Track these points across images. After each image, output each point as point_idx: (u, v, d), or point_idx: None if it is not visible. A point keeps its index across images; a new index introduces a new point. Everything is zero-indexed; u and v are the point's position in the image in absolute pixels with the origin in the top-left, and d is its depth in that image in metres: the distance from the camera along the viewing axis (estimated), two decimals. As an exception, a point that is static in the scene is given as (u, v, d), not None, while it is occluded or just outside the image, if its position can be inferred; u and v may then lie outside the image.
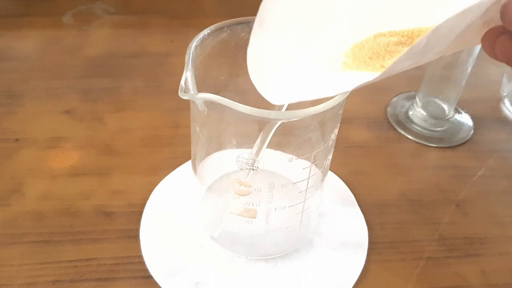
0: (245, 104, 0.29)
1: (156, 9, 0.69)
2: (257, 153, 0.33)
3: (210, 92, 0.30)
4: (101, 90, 0.55)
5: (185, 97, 0.30)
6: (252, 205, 0.35)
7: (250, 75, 0.30)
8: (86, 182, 0.45)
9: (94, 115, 0.51)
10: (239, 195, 0.35)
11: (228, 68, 0.37)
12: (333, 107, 0.30)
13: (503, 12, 0.23)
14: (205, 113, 0.33)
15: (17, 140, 0.48)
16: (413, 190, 0.47)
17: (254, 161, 0.33)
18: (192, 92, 0.30)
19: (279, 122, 0.32)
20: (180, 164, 0.46)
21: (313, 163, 0.34)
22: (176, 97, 0.54)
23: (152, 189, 0.44)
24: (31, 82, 0.55)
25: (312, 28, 0.31)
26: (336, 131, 0.35)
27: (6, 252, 0.39)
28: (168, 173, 0.46)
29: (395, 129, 0.53)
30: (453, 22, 0.22)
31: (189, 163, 0.46)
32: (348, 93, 0.30)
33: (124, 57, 0.60)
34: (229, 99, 0.29)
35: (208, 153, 0.39)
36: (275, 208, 0.36)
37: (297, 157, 0.33)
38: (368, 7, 0.31)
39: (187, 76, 0.31)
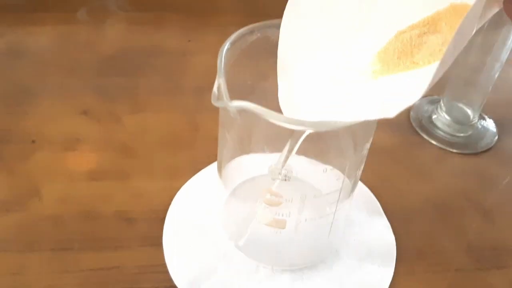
0: (272, 108, 0.29)
1: (172, 6, 0.67)
2: (284, 161, 0.32)
3: (238, 97, 0.29)
4: (117, 89, 0.53)
5: (218, 105, 0.29)
6: (282, 216, 0.34)
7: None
8: (106, 186, 0.43)
9: (111, 116, 0.50)
10: (269, 205, 0.34)
11: (256, 72, 0.36)
12: (366, 122, 0.28)
13: None
14: (237, 120, 0.32)
15: (33, 141, 0.47)
16: (438, 197, 0.46)
17: (287, 171, 0.32)
18: (225, 99, 0.29)
19: (307, 132, 0.31)
20: (202, 168, 0.45)
21: (346, 174, 0.33)
22: (195, 98, 0.54)
23: (174, 194, 0.43)
24: (46, 80, 0.54)
25: (333, 51, 0.30)
26: (371, 140, 0.34)
27: (25, 260, 0.38)
28: (190, 177, 0.45)
29: (418, 134, 0.52)
30: (470, 15, 0.22)
31: (210, 167, 0.45)
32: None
33: (140, 55, 0.58)
34: (257, 102, 0.29)
35: (234, 156, 0.38)
36: (305, 219, 0.35)
37: (332, 168, 0.32)
38: (381, 12, 0.30)
39: (220, 83, 0.30)
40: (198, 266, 0.38)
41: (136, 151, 0.47)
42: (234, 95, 0.30)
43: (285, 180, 0.32)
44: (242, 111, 0.29)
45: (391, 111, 0.24)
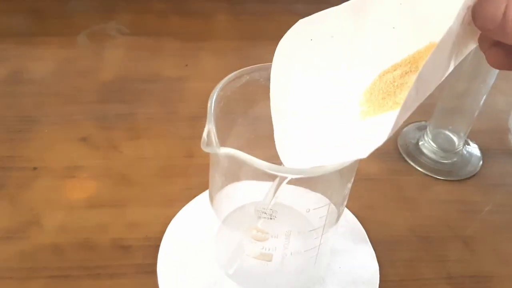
0: (262, 144, 0.32)
1: (169, 30, 0.69)
2: (269, 202, 0.34)
3: (227, 129, 0.31)
4: (116, 116, 0.55)
5: (207, 150, 0.31)
6: (268, 250, 0.36)
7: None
8: (103, 214, 0.45)
9: (110, 143, 0.52)
10: (256, 240, 0.36)
11: (245, 110, 0.38)
12: (352, 162, 0.30)
13: (474, 17, 0.25)
14: (225, 162, 0.34)
15: (35, 168, 0.49)
16: (422, 225, 0.48)
17: (272, 210, 0.34)
18: (214, 145, 0.31)
19: (289, 178, 0.33)
20: (195, 196, 0.47)
21: (329, 212, 0.35)
22: (190, 125, 0.56)
23: (168, 222, 0.45)
24: (47, 106, 0.56)
25: (323, 93, 0.32)
26: (352, 179, 0.36)
27: (25, 287, 0.40)
28: (183, 205, 0.47)
29: (405, 160, 0.54)
30: (434, 57, 0.24)
31: (203, 195, 0.47)
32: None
33: (139, 81, 0.60)
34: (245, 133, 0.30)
35: (224, 186, 0.39)
36: (291, 253, 0.37)
37: (314, 208, 0.34)
38: (366, 52, 0.32)
39: (209, 129, 0.32)
40: (190, 294, 0.40)
41: (133, 178, 0.49)
42: (226, 134, 0.32)
43: (271, 218, 0.34)
44: (231, 157, 0.31)
45: (364, 152, 0.26)
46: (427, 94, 0.27)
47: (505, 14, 0.23)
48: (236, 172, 0.37)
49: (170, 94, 0.59)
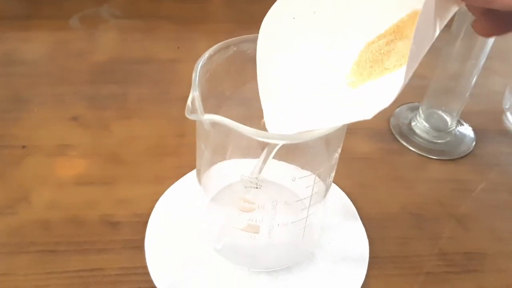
0: (249, 115, 0.30)
1: (163, 13, 0.69)
2: (259, 171, 0.34)
3: (215, 106, 0.30)
4: (107, 97, 0.55)
5: (191, 118, 0.31)
6: (256, 221, 0.36)
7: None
8: (92, 191, 0.45)
9: (100, 122, 0.52)
10: (243, 211, 0.36)
11: (233, 84, 0.38)
12: (338, 128, 0.30)
13: None
14: (211, 132, 0.34)
15: (24, 147, 0.48)
16: (415, 203, 0.48)
17: (258, 179, 0.34)
18: (199, 112, 0.31)
19: (280, 144, 0.33)
20: (185, 174, 0.47)
21: (316, 182, 0.35)
22: (181, 106, 0.55)
23: (157, 199, 0.45)
24: (38, 87, 0.56)
25: (310, 67, 0.32)
26: (339, 149, 0.36)
27: (13, 261, 0.39)
28: (173, 183, 0.46)
29: (398, 141, 0.54)
30: (423, 16, 0.24)
31: (193, 173, 0.47)
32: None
33: (131, 63, 0.60)
34: (234, 111, 0.30)
35: (212, 164, 0.39)
36: (278, 224, 0.36)
37: (300, 177, 0.34)
38: (348, 26, 0.32)
39: (194, 96, 0.31)
40: (178, 269, 0.39)
41: (123, 157, 0.49)
42: (212, 106, 0.32)
43: (257, 188, 0.34)
44: (215, 124, 0.31)
45: (368, 113, 0.26)
46: (424, 51, 0.27)
47: None
48: (223, 144, 0.37)
49: (162, 75, 0.59)
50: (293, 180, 0.34)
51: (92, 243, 0.41)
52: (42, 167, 0.47)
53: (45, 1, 0.68)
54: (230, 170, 0.39)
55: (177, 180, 0.47)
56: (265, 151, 0.33)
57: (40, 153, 0.48)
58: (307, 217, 0.37)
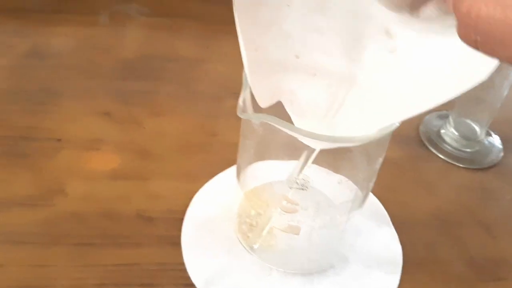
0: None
1: (190, 12, 0.69)
2: (299, 172, 0.34)
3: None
4: (137, 93, 0.55)
5: (243, 117, 0.31)
6: (297, 222, 0.36)
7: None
8: (126, 186, 0.45)
9: (132, 118, 0.52)
10: (285, 212, 0.36)
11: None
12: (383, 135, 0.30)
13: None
14: (259, 130, 0.34)
15: (59, 140, 0.49)
16: (443, 210, 0.48)
17: (304, 181, 0.34)
18: (250, 112, 0.31)
19: (319, 149, 0.33)
20: (217, 173, 0.47)
21: (358, 186, 0.35)
22: (211, 105, 0.56)
23: (191, 196, 0.45)
24: (69, 81, 0.56)
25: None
26: (384, 154, 0.36)
27: (51, 253, 0.39)
28: (206, 181, 0.47)
29: (426, 147, 0.54)
30: None
31: (227, 172, 0.47)
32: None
33: (159, 60, 0.60)
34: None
35: (254, 161, 0.40)
36: (318, 227, 0.37)
37: (346, 180, 0.34)
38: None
39: (245, 96, 0.32)
40: (214, 266, 0.40)
41: (155, 153, 0.49)
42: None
43: (302, 189, 0.34)
44: (264, 123, 0.31)
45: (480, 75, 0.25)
46: None
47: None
48: (268, 142, 0.37)
49: (190, 74, 0.59)
50: (339, 183, 0.34)
51: (128, 237, 0.41)
52: (77, 160, 0.47)
53: (74, -4, 0.69)
54: (271, 169, 0.40)
55: (209, 178, 0.47)
56: (304, 153, 0.34)
57: (74, 147, 0.48)
58: (346, 221, 0.37)
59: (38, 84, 0.55)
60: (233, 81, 0.53)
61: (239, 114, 0.32)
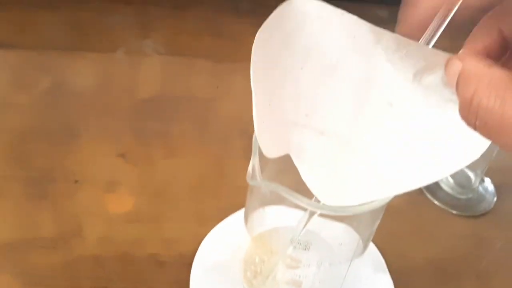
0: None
1: (202, 50, 0.72)
2: (300, 232, 0.37)
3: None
4: (152, 133, 0.58)
5: (252, 184, 0.34)
6: (299, 277, 0.39)
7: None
8: (140, 229, 0.48)
9: (146, 159, 0.55)
10: (289, 267, 0.39)
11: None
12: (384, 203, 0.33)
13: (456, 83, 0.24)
14: (267, 194, 0.37)
15: (76, 181, 0.52)
16: (438, 257, 0.51)
17: (307, 242, 0.37)
18: (258, 179, 0.34)
19: (318, 212, 0.35)
20: (226, 216, 0.50)
21: (359, 242, 0.38)
22: (221, 146, 0.59)
23: (200, 240, 0.48)
24: (87, 119, 0.59)
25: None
26: (382, 213, 0.39)
27: (70, 295, 0.43)
28: (215, 224, 0.49)
29: (423, 194, 0.57)
30: None
31: (235, 215, 0.50)
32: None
33: (173, 100, 0.63)
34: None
35: (260, 206, 0.42)
36: (319, 281, 0.39)
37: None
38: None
39: (254, 164, 0.35)
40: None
41: (167, 196, 0.52)
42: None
43: (305, 249, 0.37)
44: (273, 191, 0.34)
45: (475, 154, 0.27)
46: None
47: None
48: (275, 200, 0.40)
49: (202, 114, 0.62)
50: (339, 245, 0.37)
51: (142, 281, 0.44)
52: (93, 202, 0.50)
53: (91, 32, 0.72)
54: (279, 214, 0.42)
55: (218, 222, 0.50)
56: (306, 213, 0.36)
57: (91, 189, 0.51)
58: (346, 275, 0.40)
59: (58, 123, 0.58)
60: (242, 121, 0.57)
61: (248, 181, 0.34)
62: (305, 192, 0.35)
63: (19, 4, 0.73)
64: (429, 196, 0.57)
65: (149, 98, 0.63)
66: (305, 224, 0.36)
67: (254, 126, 0.32)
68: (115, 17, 0.75)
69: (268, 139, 0.33)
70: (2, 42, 0.68)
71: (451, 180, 0.57)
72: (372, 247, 0.50)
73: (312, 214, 0.36)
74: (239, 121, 0.60)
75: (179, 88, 0.66)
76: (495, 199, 0.58)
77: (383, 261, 0.49)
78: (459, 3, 0.24)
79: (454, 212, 0.55)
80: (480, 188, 0.58)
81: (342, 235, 0.39)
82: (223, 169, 0.56)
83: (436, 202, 0.56)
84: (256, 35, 0.29)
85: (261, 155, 0.35)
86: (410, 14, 0.26)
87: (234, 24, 0.78)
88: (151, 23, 0.75)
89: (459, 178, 0.57)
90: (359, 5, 0.83)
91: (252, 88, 0.32)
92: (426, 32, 0.26)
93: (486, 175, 0.60)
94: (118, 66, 0.68)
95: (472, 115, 0.22)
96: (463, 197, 0.57)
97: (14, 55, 0.66)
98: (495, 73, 0.22)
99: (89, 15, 0.74)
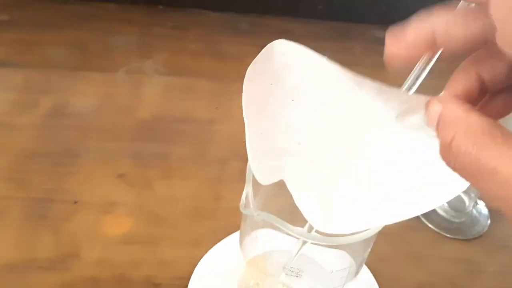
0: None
1: (202, 71, 0.74)
2: (291, 261, 0.38)
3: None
4: (150, 155, 0.59)
5: (246, 212, 0.35)
6: (291, 302, 0.40)
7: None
8: (136, 251, 0.49)
9: (144, 181, 0.56)
10: (281, 293, 0.40)
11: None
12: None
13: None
14: (260, 222, 0.38)
15: (75, 202, 0.53)
16: (431, 282, 0.51)
17: (299, 270, 0.38)
18: (251, 207, 0.35)
19: (309, 242, 0.36)
20: (221, 239, 0.51)
21: (351, 268, 0.39)
22: (218, 167, 0.60)
23: (195, 262, 0.49)
24: (87, 141, 0.60)
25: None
26: (374, 239, 0.40)
27: (66, 317, 0.43)
28: (210, 247, 0.50)
29: (418, 217, 0.58)
30: None
31: (229, 238, 0.51)
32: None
33: (172, 121, 0.65)
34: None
35: (254, 229, 0.42)
36: (311, 306, 0.40)
37: (337, 270, 0.38)
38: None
39: (247, 192, 0.36)
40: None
41: (164, 217, 0.53)
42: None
43: (297, 276, 0.38)
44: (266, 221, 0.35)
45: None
46: None
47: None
48: (269, 225, 0.41)
49: (201, 135, 0.63)
50: (330, 273, 0.38)
51: (137, 303, 0.45)
52: (92, 223, 0.51)
53: (93, 52, 0.73)
54: (273, 238, 0.43)
55: (213, 245, 0.51)
56: (298, 243, 0.37)
57: (89, 210, 0.52)
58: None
59: (58, 145, 0.59)
60: (238, 144, 0.57)
61: (241, 210, 0.35)
62: (300, 215, 0.36)
63: (22, 24, 0.75)
64: (423, 219, 0.57)
65: (149, 119, 0.64)
66: (297, 252, 0.37)
67: (248, 154, 0.33)
68: (118, 38, 0.76)
69: (261, 167, 0.34)
70: (6, 62, 0.69)
71: (445, 203, 0.58)
72: (365, 270, 0.50)
73: (304, 242, 0.37)
74: (237, 143, 0.61)
75: (179, 109, 0.67)
76: (488, 221, 0.59)
77: (376, 285, 0.49)
78: (439, 52, 0.25)
79: (448, 235, 0.56)
80: (474, 211, 0.59)
81: (336, 260, 0.39)
82: (218, 192, 0.57)
83: (430, 225, 0.57)
84: (247, 70, 0.31)
85: (255, 180, 0.36)
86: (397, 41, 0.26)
87: (234, 44, 0.79)
88: (152, 44, 0.76)
89: (454, 201, 0.58)
90: (359, 26, 0.84)
91: (245, 119, 0.33)
92: (406, 80, 0.27)
93: (480, 198, 0.61)
94: (119, 86, 0.69)
95: (451, 158, 0.23)
96: (457, 220, 0.58)
97: (17, 74, 0.67)
98: (472, 119, 0.23)
99: (92, 36, 0.76)
